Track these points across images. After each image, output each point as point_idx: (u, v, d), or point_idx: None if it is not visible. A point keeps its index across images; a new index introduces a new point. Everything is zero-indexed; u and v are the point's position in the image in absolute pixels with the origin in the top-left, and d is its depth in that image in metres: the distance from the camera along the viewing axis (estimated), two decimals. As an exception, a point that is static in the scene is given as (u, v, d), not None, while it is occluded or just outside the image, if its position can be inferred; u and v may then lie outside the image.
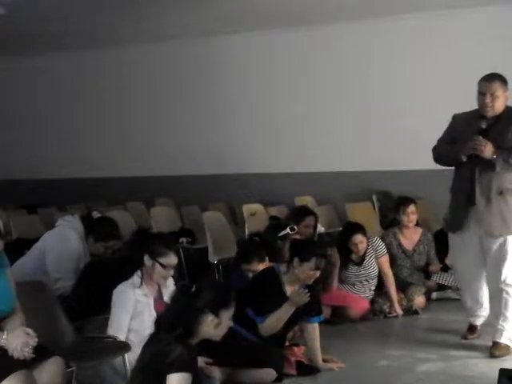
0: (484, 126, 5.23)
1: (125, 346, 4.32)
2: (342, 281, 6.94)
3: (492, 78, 5.26)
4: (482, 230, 5.35)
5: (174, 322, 3.48)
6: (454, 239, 5.62)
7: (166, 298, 4.47)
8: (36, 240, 6.05)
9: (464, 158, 5.25)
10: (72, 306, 4.94)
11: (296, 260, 5.12)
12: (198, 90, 11.08)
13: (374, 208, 9.42)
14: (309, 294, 5.00)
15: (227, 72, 10.89)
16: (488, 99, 5.21)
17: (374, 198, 9.48)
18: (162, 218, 9.17)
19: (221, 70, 10.90)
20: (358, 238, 6.82)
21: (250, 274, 5.64)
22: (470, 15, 9.08)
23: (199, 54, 11.03)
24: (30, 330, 3.71)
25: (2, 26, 9.37)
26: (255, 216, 8.67)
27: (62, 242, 5.69)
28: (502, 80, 5.27)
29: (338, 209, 9.54)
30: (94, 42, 11.14)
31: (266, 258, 5.75)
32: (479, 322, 5.80)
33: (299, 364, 5.23)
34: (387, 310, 6.86)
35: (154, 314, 4.38)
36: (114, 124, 11.85)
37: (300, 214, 7.10)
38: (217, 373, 4.58)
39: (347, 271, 6.91)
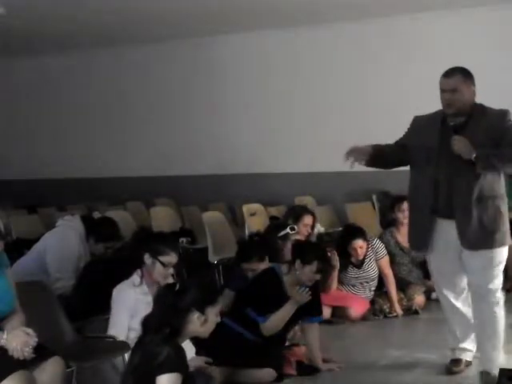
0: (452, 123, 4.66)
1: (125, 346, 4.31)
2: (341, 282, 6.93)
3: (451, 73, 4.64)
4: (461, 244, 4.68)
5: (160, 322, 3.46)
6: (428, 258, 5.06)
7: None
8: (36, 240, 6.06)
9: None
10: (72, 305, 4.94)
11: (298, 262, 5.13)
12: (197, 90, 11.08)
13: (374, 208, 9.42)
14: (310, 293, 5.01)
15: (225, 72, 10.89)
16: (447, 96, 4.61)
17: (374, 197, 9.48)
18: (162, 217, 9.17)
19: (219, 70, 10.90)
20: (358, 243, 6.81)
21: (250, 274, 5.64)
22: (449, 18, 9.20)
23: (196, 54, 11.03)
24: (30, 330, 3.70)
25: (1, 26, 9.37)
26: (255, 216, 8.67)
27: (62, 242, 5.70)
28: (465, 74, 4.64)
29: (338, 209, 9.54)
30: (91, 42, 11.14)
31: (267, 258, 5.75)
32: (465, 356, 5.10)
33: (299, 364, 5.24)
34: (387, 310, 6.86)
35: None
36: (113, 124, 11.85)
37: (298, 212, 7.09)
38: (216, 373, 4.58)
39: (347, 273, 6.91)
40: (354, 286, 6.94)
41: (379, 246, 7.03)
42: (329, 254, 5.90)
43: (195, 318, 3.52)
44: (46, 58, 11.90)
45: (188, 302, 3.52)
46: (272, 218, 8.08)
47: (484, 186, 4.57)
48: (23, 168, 12.36)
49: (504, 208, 4.67)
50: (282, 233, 6.41)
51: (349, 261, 6.87)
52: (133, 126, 11.68)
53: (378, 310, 6.89)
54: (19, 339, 3.63)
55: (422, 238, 4.84)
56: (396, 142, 4.98)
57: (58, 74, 12.15)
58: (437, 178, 4.65)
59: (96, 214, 6.47)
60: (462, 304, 4.96)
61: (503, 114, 4.64)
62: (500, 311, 4.77)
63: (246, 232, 8.22)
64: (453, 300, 4.95)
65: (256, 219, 8.52)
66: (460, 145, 4.49)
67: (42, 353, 3.69)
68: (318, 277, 5.17)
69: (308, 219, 7.00)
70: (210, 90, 10.98)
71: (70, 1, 8.50)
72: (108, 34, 10.62)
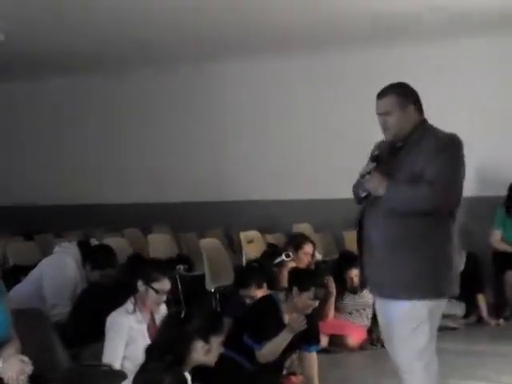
0: (376, 153, 3.96)
1: (121, 375, 4.28)
2: (338, 310, 6.91)
3: (383, 94, 3.93)
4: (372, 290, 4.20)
5: (164, 349, 3.45)
6: None
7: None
8: (33, 267, 6.04)
9: (362, 194, 3.95)
10: (68, 332, 4.91)
11: (295, 289, 5.11)
12: (195, 117, 11.11)
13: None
14: (306, 321, 4.99)
15: (224, 98, 10.93)
16: (381, 120, 3.94)
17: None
18: (159, 244, 9.16)
19: (217, 96, 10.93)
20: (354, 272, 6.78)
21: (248, 301, 5.62)
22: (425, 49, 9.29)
23: (195, 80, 11.07)
24: (25, 358, 3.68)
25: (1, 52, 9.40)
26: (252, 243, 8.66)
27: (59, 269, 5.69)
28: (400, 92, 3.90)
29: (336, 236, 9.53)
30: (89, 67, 11.17)
31: (264, 285, 5.74)
32: None
33: (296, 393, 5.21)
34: (385, 339, 6.82)
35: (148, 341, 4.35)
36: (110, 150, 11.85)
37: (298, 241, 7.09)
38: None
39: (344, 300, 6.89)
40: (351, 313, 6.92)
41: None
42: (325, 280, 5.89)
43: (199, 346, 3.51)
44: (44, 83, 11.92)
45: (192, 330, 3.51)
46: (269, 246, 8.06)
47: (395, 225, 3.78)
48: (20, 194, 12.34)
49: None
50: (278, 260, 6.41)
51: (345, 287, 6.86)
52: (130, 152, 11.69)
53: (375, 339, 6.86)
54: (15, 367, 3.60)
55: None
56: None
57: (56, 99, 12.17)
58: (362, 215, 3.97)
59: (93, 241, 6.45)
60: None
61: (442, 142, 3.80)
62: None
63: (243, 259, 8.21)
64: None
65: (253, 246, 8.51)
66: (372, 181, 3.83)
67: (37, 381, 3.66)
68: (315, 304, 5.15)
69: (308, 248, 7.00)
70: (209, 116, 11.01)
71: (68, 27, 8.53)
72: (106, 59, 10.65)
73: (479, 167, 8.49)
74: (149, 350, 3.53)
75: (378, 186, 3.79)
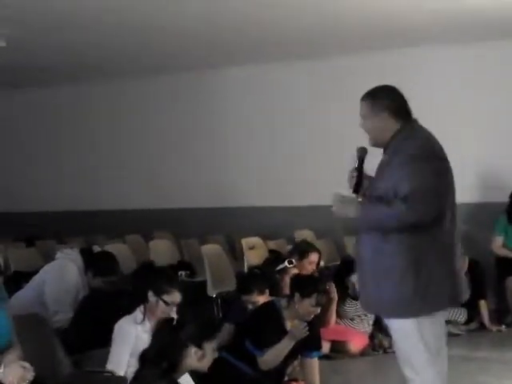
0: (355, 165, 3.94)
1: (122, 381, 4.28)
2: (340, 316, 6.90)
3: (362, 97, 3.87)
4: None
5: (157, 356, 3.45)
6: None
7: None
8: (34, 273, 6.04)
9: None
10: (70, 339, 4.91)
11: (297, 296, 5.11)
12: (197, 123, 11.11)
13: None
14: (308, 328, 4.99)
15: (226, 104, 10.93)
16: (360, 123, 3.88)
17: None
18: (161, 251, 9.15)
19: (219, 103, 10.94)
20: (356, 278, 6.78)
21: (250, 306, 5.61)
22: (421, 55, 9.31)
23: (196, 87, 11.08)
24: (27, 364, 3.67)
25: (2, 59, 9.42)
26: (254, 249, 8.65)
27: (61, 275, 5.69)
28: (373, 98, 3.80)
29: (338, 242, 9.52)
30: (91, 75, 11.20)
31: (267, 291, 5.73)
32: None
33: (298, 399, 5.20)
34: (387, 345, 6.81)
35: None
36: (112, 158, 11.86)
37: (304, 249, 7.02)
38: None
39: (345, 306, 6.88)
40: (352, 319, 6.91)
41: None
42: (327, 286, 5.88)
43: (192, 352, 3.51)
44: (45, 88, 11.94)
45: (185, 337, 3.50)
46: (271, 252, 8.05)
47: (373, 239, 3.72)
48: (22, 200, 12.35)
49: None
50: (280, 266, 6.40)
51: (346, 293, 6.85)
52: (132, 158, 11.69)
53: (377, 345, 6.85)
54: (16, 373, 3.60)
55: None
56: None
57: (57, 104, 12.19)
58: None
59: (95, 248, 6.45)
60: None
61: (412, 154, 3.65)
62: None
63: (245, 266, 8.20)
64: None
65: (255, 253, 8.50)
66: (337, 207, 3.78)
67: (38, 387, 3.66)
68: (317, 310, 5.15)
69: (314, 256, 6.89)
70: (210, 122, 11.01)
71: (69, 34, 8.55)
72: (107, 67, 10.67)
73: (481, 174, 8.49)
74: (142, 357, 3.52)
75: (344, 212, 3.74)
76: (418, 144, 3.71)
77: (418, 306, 3.61)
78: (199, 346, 3.52)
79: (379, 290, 3.67)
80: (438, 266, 3.64)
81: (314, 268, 6.90)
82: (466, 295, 3.82)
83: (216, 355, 3.66)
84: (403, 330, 3.68)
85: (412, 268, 3.60)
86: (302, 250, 7.02)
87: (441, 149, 3.74)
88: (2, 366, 3.65)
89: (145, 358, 3.51)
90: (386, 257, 3.64)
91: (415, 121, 3.86)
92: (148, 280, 4.65)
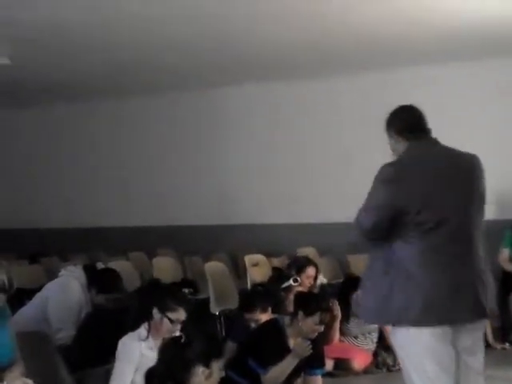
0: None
1: (125, 398, 4.27)
2: (344, 333, 6.88)
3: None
4: None
5: (164, 375, 3.43)
6: None
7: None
8: (37, 290, 6.03)
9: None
10: (72, 356, 4.89)
11: (301, 314, 5.11)
12: (200, 141, 11.15)
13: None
14: (312, 346, 4.97)
15: (228, 122, 10.97)
16: None
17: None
18: (164, 268, 9.14)
19: (221, 121, 10.98)
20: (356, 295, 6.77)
21: (253, 324, 5.60)
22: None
23: (198, 105, 11.12)
24: (29, 381, 3.67)
25: (6, 76, 9.46)
26: (257, 267, 8.64)
27: (64, 293, 5.68)
28: (387, 119, 4.02)
29: (341, 260, 9.50)
30: (93, 93, 11.25)
31: (269, 309, 5.72)
32: None
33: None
34: (391, 363, 6.78)
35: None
36: (115, 174, 11.88)
37: (301, 264, 7.05)
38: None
39: (349, 324, 6.86)
40: (356, 337, 6.89)
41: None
42: (330, 304, 5.87)
43: (200, 371, 3.49)
44: (49, 107, 12.00)
45: (193, 355, 3.49)
46: (274, 269, 8.04)
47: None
48: (25, 217, 12.35)
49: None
50: (285, 284, 6.39)
51: (350, 311, 6.83)
52: (136, 175, 11.72)
53: (381, 362, 6.82)
54: (19, 390, 3.60)
55: None
56: None
57: (60, 123, 12.24)
58: None
59: (99, 265, 6.45)
60: None
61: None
62: None
63: (248, 283, 8.19)
64: None
65: (258, 270, 8.49)
66: None
67: (41, 404, 3.65)
68: (320, 328, 5.14)
69: (311, 271, 6.95)
70: (212, 140, 11.05)
71: (71, 53, 8.60)
72: (109, 85, 10.72)
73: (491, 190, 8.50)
74: (149, 375, 3.51)
75: None
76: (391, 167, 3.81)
77: (400, 316, 3.59)
78: (207, 365, 3.51)
79: (366, 298, 3.82)
80: (423, 277, 3.58)
81: (312, 282, 6.92)
82: (478, 312, 3.68)
83: (223, 374, 3.65)
84: (398, 340, 3.69)
85: (392, 278, 3.65)
86: (299, 264, 7.04)
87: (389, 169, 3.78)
88: (5, 383, 3.65)
89: (152, 375, 3.50)
90: (379, 266, 3.75)
91: (423, 137, 3.89)
92: (154, 297, 4.65)
